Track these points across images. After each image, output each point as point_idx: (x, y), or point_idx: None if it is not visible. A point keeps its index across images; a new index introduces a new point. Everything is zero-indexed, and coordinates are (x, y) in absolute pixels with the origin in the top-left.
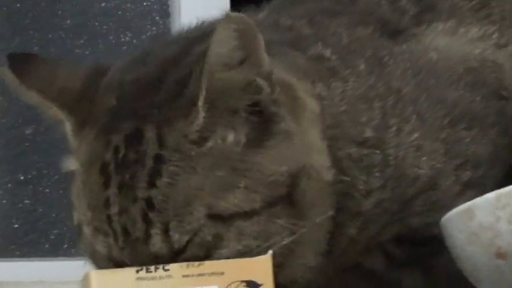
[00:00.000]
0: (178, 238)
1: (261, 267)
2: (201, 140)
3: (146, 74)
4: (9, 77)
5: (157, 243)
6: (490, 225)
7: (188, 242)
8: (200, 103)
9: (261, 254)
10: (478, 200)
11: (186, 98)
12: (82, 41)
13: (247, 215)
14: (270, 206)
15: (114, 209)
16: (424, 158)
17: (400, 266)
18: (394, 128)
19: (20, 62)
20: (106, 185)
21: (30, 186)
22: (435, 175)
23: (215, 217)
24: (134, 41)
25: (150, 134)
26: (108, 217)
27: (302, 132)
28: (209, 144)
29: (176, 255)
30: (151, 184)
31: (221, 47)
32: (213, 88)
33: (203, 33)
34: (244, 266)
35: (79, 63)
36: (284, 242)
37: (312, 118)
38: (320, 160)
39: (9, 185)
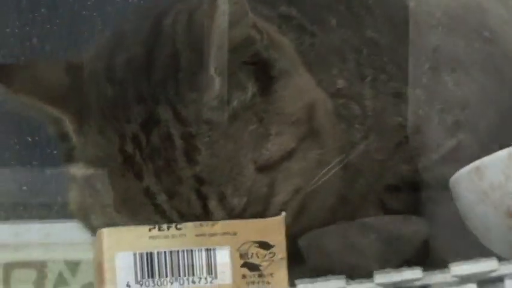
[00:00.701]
0: (237, 202)
1: (274, 228)
2: (223, 104)
3: (134, 56)
4: None
5: (218, 213)
6: (500, 184)
7: (247, 201)
8: (212, 70)
9: (308, 191)
10: (487, 159)
11: (189, 70)
12: (89, 3)
13: (288, 156)
14: (301, 142)
15: (161, 197)
16: (405, 105)
17: (395, 214)
18: (369, 79)
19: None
20: (138, 177)
21: (38, 148)
22: (418, 121)
23: (263, 168)
24: (141, 2)
25: (165, 114)
26: (156, 207)
27: (295, 69)
28: (232, 105)
29: (238, 218)
30: (193, 161)
31: (225, 14)
32: (220, 53)
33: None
34: (257, 227)
35: (54, 60)
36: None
37: (295, 57)
38: (320, 92)
39: (17, 146)
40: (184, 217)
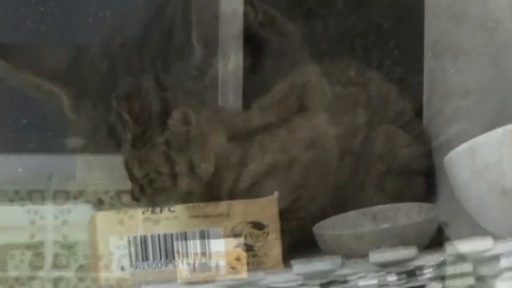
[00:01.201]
0: (204, 168)
1: (266, 208)
2: (202, 73)
3: (132, 37)
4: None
5: (185, 180)
6: (494, 163)
7: (215, 169)
8: (195, 40)
9: (287, 168)
10: (482, 138)
11: (176, 43)
12: None
13: (266, 129)
14: (285, 119)
15: (133, 164)
16: (408, 92)
17: (396, 199)
18: (375, 65)
19: (5, 50)
20: (118, 145)
21: (34, 132)
22: (419, 107)
23: (236, 137)
24: None
25: (148, 83)
26: (131, 173)
27: (295, 54)
28: (210, 73)
29: (206, 186)
30: (166, 127)
31: None
32: (204, 26)
33: None
34: (250, 207)
35: (54, 44)
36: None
37: (298, 44)
38: (319, 74)
39: (12, 130)
40: (153, 183)
